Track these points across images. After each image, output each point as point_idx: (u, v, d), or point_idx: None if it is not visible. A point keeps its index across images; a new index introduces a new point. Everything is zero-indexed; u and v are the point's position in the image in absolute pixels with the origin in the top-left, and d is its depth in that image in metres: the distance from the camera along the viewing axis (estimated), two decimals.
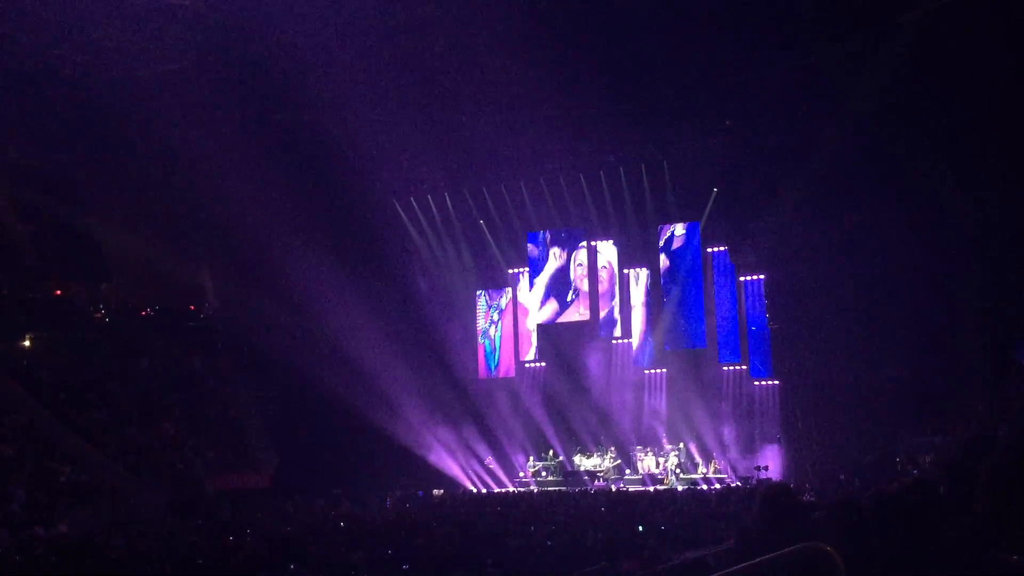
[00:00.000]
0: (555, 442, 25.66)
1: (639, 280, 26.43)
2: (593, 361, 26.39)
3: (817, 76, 20.00)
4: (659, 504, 16.32)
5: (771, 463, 22.04)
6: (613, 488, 22.71)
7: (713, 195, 24.80)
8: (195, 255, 28.54)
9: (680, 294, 25.49)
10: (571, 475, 24.46)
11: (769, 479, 20.28)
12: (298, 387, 25.36)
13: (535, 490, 23.12)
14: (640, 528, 11.54)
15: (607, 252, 26.77)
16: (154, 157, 24.72)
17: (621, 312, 26.49)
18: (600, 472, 24.33)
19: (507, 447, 26.34)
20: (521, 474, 25.90)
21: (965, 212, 20.39)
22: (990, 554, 2.35)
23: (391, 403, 25.07)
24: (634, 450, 24.91)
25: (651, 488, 22.00)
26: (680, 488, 21.58)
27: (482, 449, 26.01)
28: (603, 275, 26.76)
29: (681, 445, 24.30)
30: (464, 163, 25.50)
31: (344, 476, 23.62)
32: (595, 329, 26.73)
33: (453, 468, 25.51)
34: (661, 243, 25.89)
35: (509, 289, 28.21)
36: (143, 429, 23.45)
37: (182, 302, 29.17)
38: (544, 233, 27.49)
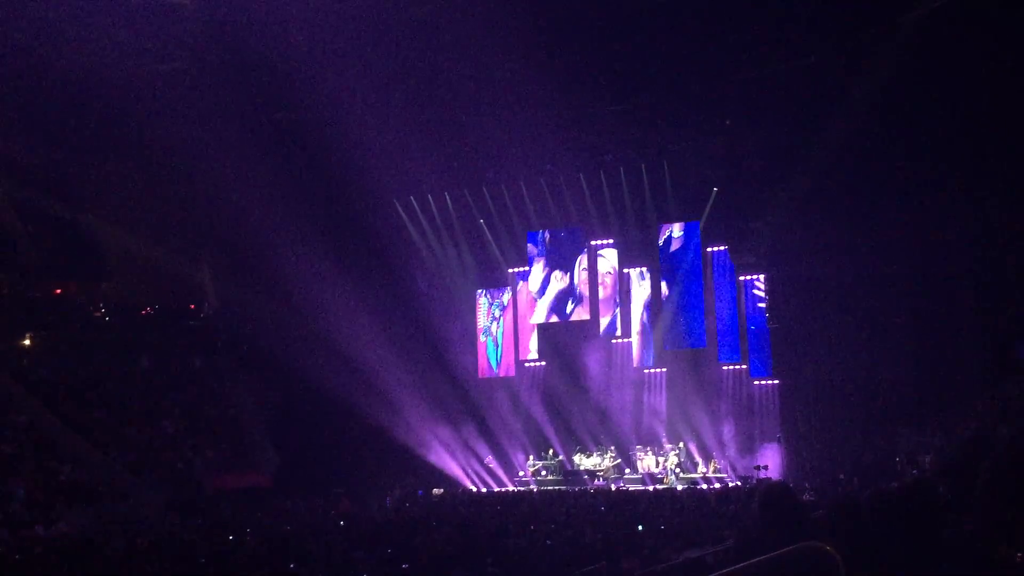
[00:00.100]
0: (555, 441, 25.66)
1: (639, 280, 26.43)
2: (593, 360, 26.38)
3: (817, 76, 20.00)
4: (659, 504, 16.33)
5: (770, 462, 22.04)
6: (613, 487, 22.73)
7: (713, 195, 24.79)
8: (195, 254, 28.56)
9: (680, 294, 25.48)
10: (571, 474, 24.46)
11: (768, 478, 20.27)
12: (298, 387, 25.37)
13: (535, 489, 23.12)
14: (640, 527, 11.54)
15: (611, 258, 26.75)
16: (154, 156, 24.71)
17: (621, 311, 26.49)
18: (600, 471, 24.34)
19: (507, 446, 26.34)
20: (521, 473, 25.91)
21: (965, 212, 20.40)
22: (990, 553, 2.36)
23: (391, 403, 25.07)
24: (634, 449, 24.92)
25: (651, 487, 22.00)
26: (680, 487, 21.58)
27: (482, 448, 26.01)
28: (607, 280, 26.72)
29: (681, 444, 24.30)
30: (464, 163, 25.49)
31: (344, 476, 23.63)
32: (595, 329, 26.72)
33: (453, 467, 25.51)
34: (661, 243, 25.89)
35: (510, 287, 28.20)
36: (143, 428, 23.46)
37: (182, 301, 29.17)
38: (544, 233, 27.48)
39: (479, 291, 28.36)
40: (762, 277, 24.46)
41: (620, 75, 21.58)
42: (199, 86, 20.54)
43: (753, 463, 22.30)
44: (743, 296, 24.82)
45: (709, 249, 25.34)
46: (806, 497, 16.11)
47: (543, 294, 27.45)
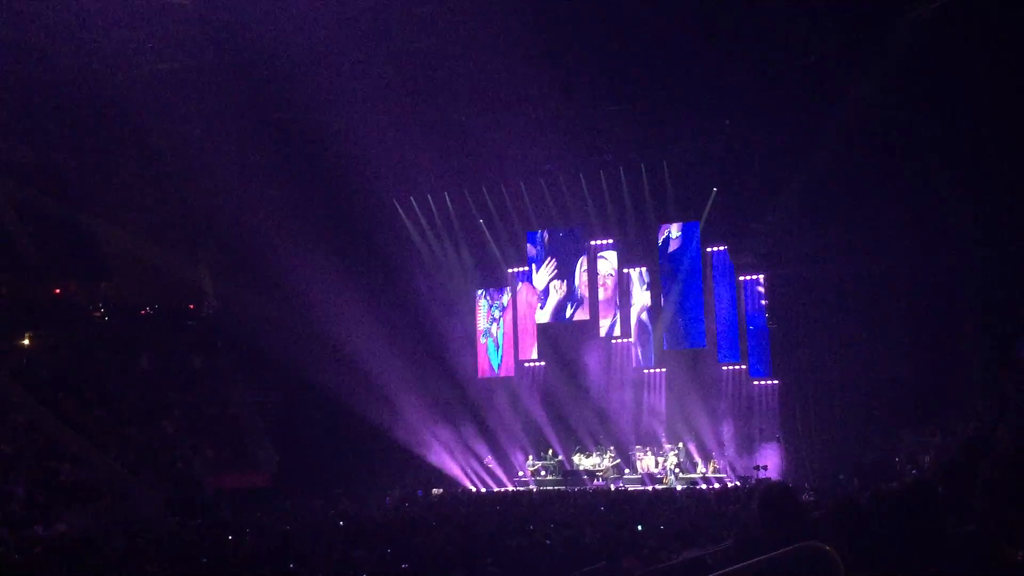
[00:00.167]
0: (554, 441, 25.65)
1: (639, 280, 26.42)
2: (592, 360, 26.38)
3: (817, 76, 20.00)
4: (658, 504, 16.32)
5: (770, 462, 22.04)
6: (612, 487, 22.72)
7: (713, 195, 24.80)
8: (194, 254, 28.58)
9: (679, 294, 25.48)
10: (570, 474, 24.46)
11: (768, 479, 20.28)
12: (298, 386, 25.38)
13: (534, 489, 23.11)
14: (639, 528, 11.53)
15: (611, 260, 26.74)
16: (154, 156, 24.73)
17: (621, 312, 26.48)
18: (599, 471, 24.34)
19: (506, 446, 26.34)
20: (520, 473, 25.90)
21: (965, 212, 20.39)
22: (990, 553, 2.36)
23: (391, 402, 25.08)
24: (633, 450, 24.92)
25: (650, 487, 21.99)
26: (679, 488, 21.57)
27: (481, 448, 26.01)
28: (608, 282, 26.71)
29: (680, 445, 24.29)
30: (464, 163, 25.49)
31: (344, 475, 23.64)
32: (595, 329, 26.72)
33: (452, 467, 25.52)
34: (660, 243, 25.89)
35: (510, 288, 28.21)
36: (142, 428, 23.47)
37: (181, 301, 29.19)
38: (543, 233, 27.49)
39: (479, 292, 28.36)
40: (762, 277, 24.46)
41: (620, 75, 21.58)
42: (199, 86, 20.55)
43: (752, 463, 22.29)
44: (743, 296, 24.81)
45: (709, 249, 25.34)
46: (806, 497, 16.10)
47: (545, 298, 27.44)
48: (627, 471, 24.58)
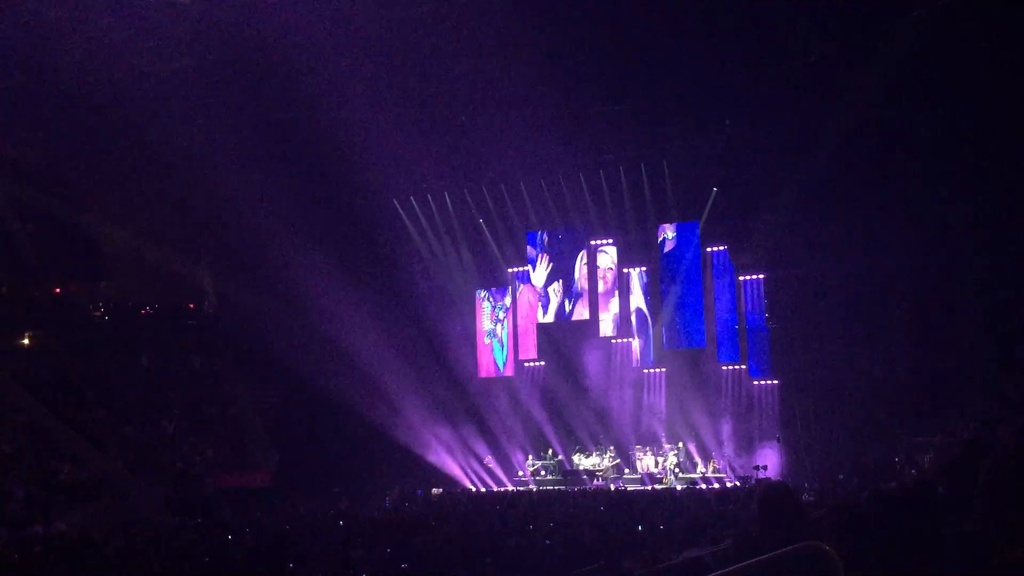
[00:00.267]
0: (554, 441, 25.65)
1: (639, 280, 26.42)
2: (592, 360, 26.38)
3: (817, 76, 20.00)
4: (658, 504, 16.31)
5: (770, 462, 22.03)
6: (612, 487, 22.72)
7: (713, 195, 24.79)
8: (194, 254, 28.57)
9: (679, 294, 25.46)
10: (570, 474, 24.45)
11: (768, 479, 20.27)
12: (297, 386, 25.37)
13: (534, 489, 23.10)
14: (639, 528, 11.53)
15: (611, 254, 26.74)
16: (153, 156, 24.72)
17: (621, 311, 26.48)
18: (599, 471, 24.33)
19: (506, 446, 26.33)
20: (520, 473, 25.89)
21: (965, 211, 20.40)
22: (990, 553, 2.35)
23: (391, 402, 25.08)
24: (633, 449, 24.91)
25: (650, 487, 21.99)
26: (679, 487, 21.56)
27: (481, 448, 26.00)
28: (608, 276, 26.72)
29: (680, 444, 24.28)
30: (464, 163, 25.49)
31: (343, 475, 23.64)
32: (595, 328, 26.72)
33: (452, 467, 25.51)
34: (660, 243, 25.90)
35: (511, 288, 28.20)
36: (142, 427, 23.47)
37: (181, 301, 29.19)
38: (543, 233, 27.49)
39: (482, 293, 28.35)
40: (762, 277, 24.45)
41: (620, 75, 21.58)
42: (199, 86, 20.53)
43: (751, 463, 22.30)
44: (743, 296, 24.81)
45: (708, 249, 25.33)
46: (805, 497, 16.08)
47: (546, 302, 27.44)
48: (627, 471, 24.57)
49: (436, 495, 22.96)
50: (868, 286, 22.02)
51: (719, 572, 2.88)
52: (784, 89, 20.70)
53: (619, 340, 26.49)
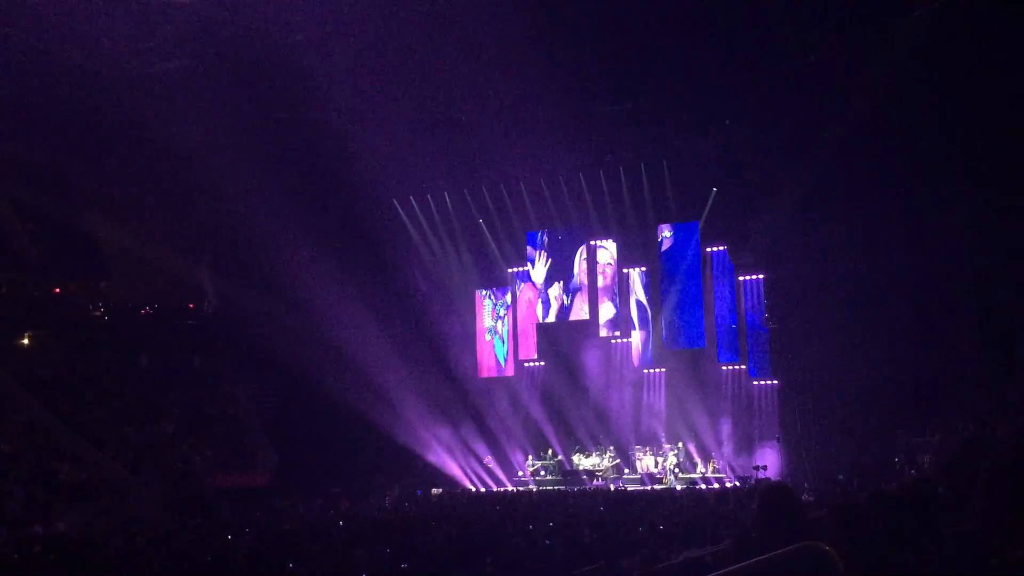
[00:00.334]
0: (554, 441, 25.65)
1: (638, 280, 26.42)
2: (592, 360, 26.37)
3: (817, 76, 20.00)
4: (657, 504, 16.32)
5: (770, 463, 22.04)
6: (612, 487, 22.72)
7: (713, 195, 24.80)
8: (194, 254, 28.57)
9: (679, 294, 25.46)
10: (570, 474, 24.45)
11: (768, 479, 20.28)
12: (297, 386, 25.37)
13: (534, 489, 23.11)
14: (639, 528, 11.54)
15: (611, 249, 26.75)
16: (154, 156, 24.73)
17: (620, 310, 26.49)
18: (599, 471, 24.33)
19: (506, 446, 26.34)
20: (520, 473, 25.89)
21: (965, 212, 20.40)
22: (990, 553, 2.35)
23: (390, 402, 25.08)
24: (633, 450, 24.91)
25: (650, 488, 21.99)
26: (679, 488, 21.56)
27: (481, 448, 26.01)
28: (607, 271, 26.73)
29: (680, 445, 24.28)
30: (464, 163, 25.49)
31: (343, 475, 23.63)
32: (595, 328, 26.72)
33: (452, 467, 25.51)
34: (660, 243, 25.90)
35: (511, 287, 28.22)
36: (142, 427, 23.47)
37: (181, 300, 29.20)
38: (542, 233, 27.49)
39: (482, 291, 28.37)
40: (761, 277, 24.45)
41: (620, 75, 21.58)
42: (199, 86, 20.53)
43: (750, 463, 22.30)
44: (742, 296, 24.81)
45: (708, 249, 25.33)
46: (805, 497, 16.11)
47: (547, 306, 27.45)
48: (626, 471, 24.57)
49: (436, 495, 22.98)
50: (868, 286, 22.00)
51: (719, 572, 2.88)
52: (784, 89, 20.71)
53: (619, 340, 26.50)
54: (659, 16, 18.86)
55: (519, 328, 27.86)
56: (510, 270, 28.11)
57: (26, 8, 17.92)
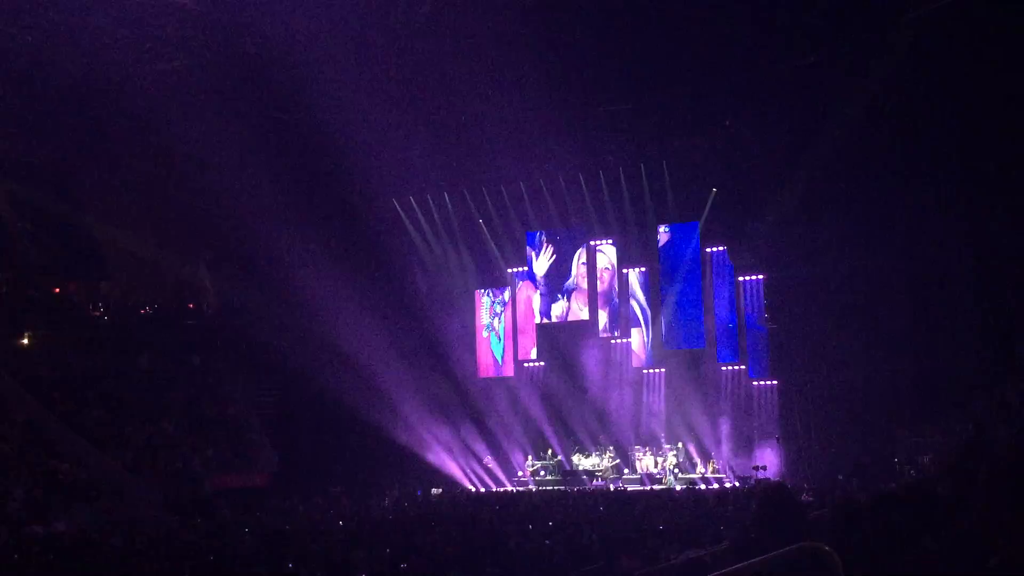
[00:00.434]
0: (554, 441, 25.65)
1: (638, 280, 26.42)
2: (592, 360, 26.38)
3: (817, 76, 20.00)
4: (657, 504, 16.33)
5: (769, 463, 22.05)
6: (611, 488, 22.72)
7: (712, 195, 24.79)
8: (194, 253, 28.56)
9: (678, 294, 25.47)
10: (570, 475, 24.46)
11: (767, 479, 20.29)
12: (297, 386, 25.36)
13: (534, 489, 23.12)
14: (639, 528, 11.54)
15: (609, 254, 26.76)
16: (153, 155, 24.72)
17: (620, 311, 26.50)
18: (598, 472, 24.33)
19: (506, 446, 26.34)
20: (520, 473, 25.90)
21: (964, 211, 20.40)
22: (990, 553, 2.36)
23: (390, 402, 25.07)
24: (632, 450, 24.91)
25: (649, 488, 22.00)
26: (678, 488, 21.58)
27: (481, 448, 26.01)
28: (604, 276, 26.76)
29: (679, 445, 24.29)
30: (464, 163, 25.49)
31: (343, 475, 23.62)
32: (594, 329, 26.72)
33: (452, 467, 25.51)
34: (659, 243, 25.91)
35: (510, 287, 28.22)
36: (142, 427, 23.45)
37: (181, 300, 29.16)
38: (542, 233, 27.50)
39: (482, 291, 28.38)
40: (761, 277, 24.45)
41: (620, 75, 21.58)
42: (199, 86, 20.54)
43: (752, 464, 22.30)
44: (742, 296, 24.81)
45: (708, 249, 25.33)
46: (805, 498, 16.10)
47: (544, 301, 27.46)
48: (626, 471, 24.57)
49: (436, 495, 22.98)
50: (868, 286, 21.99)
51: (719, 572, 2.88)
52: (784, 89, 20.70)
53: (618, 340, 26.50)
54: (659, 16, 18.85)
55: (518, 328, 27.87)
56: (510, 270, 28.12)
57: (26, 8, 17.92)
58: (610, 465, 24.59)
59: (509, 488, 24.75)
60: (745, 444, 23.67)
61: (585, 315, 26.92)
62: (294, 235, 24.24)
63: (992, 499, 2.42)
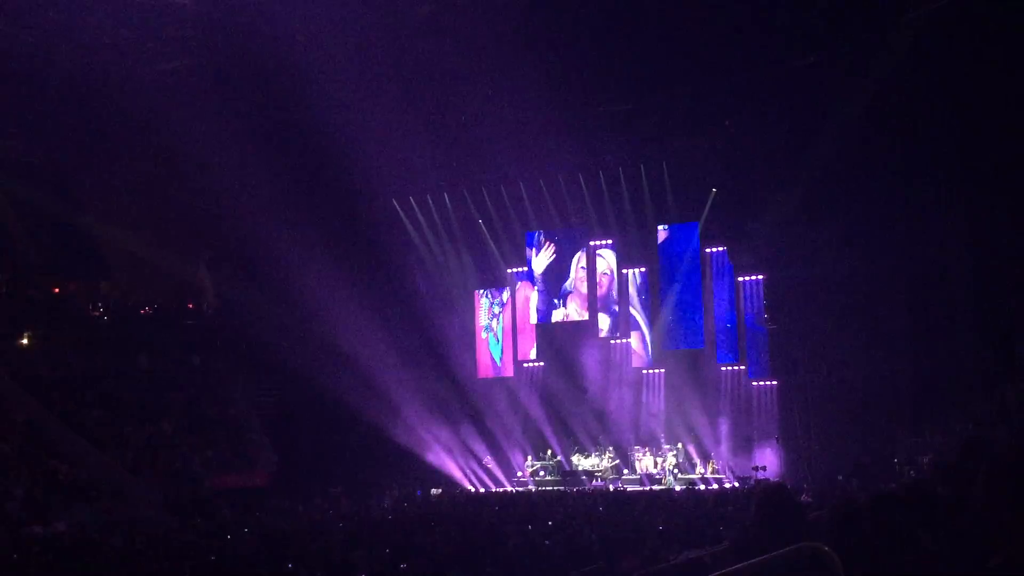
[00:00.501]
0: (553, 442, 25.66)
1: (637, 280, 26.42)
2: (591, 361, 26.38)
3: (816, 76, 20.00)
4: (657, 504, 16.32)
5: (769, 463, 22.05)
6: (611, 488, 22.72)
7: (712, 195, 24.79)
8: (194, 253, 28.55)
9: (678, 294, 25.47)
10: (569, 475, 24.46)
11: (767, 479, 20.28)
12: (297, 386, 25.36)
13: (533, 490, 23.12)
14: (639, 528, 11.53)
15: (608, 259, 26.77)
16: (153, 155, 24.72)
17: (619, 312, 26.50)
18: (598, 472, 24.33)
19: (505, 447, 26.34)
20: (519, 474, 25.90)
21: (964, 211, 20.40)
22: (990, 553, 2.36)
23: (390, 402, 25.07)
24: (632, 450, 24.91)
25: (649, 488, 22.00)
26: (678, 488, 21.58)
27: (480, 449, 26.01)
28: (603, 280, 26.76)
29: (679, 445, 24.29)
30: (464, 163, 25.50)
31: (343, 475, 23.62)
32: (594, 329, 26.73)
33: (451, 468, 25.51)
34: (659, 243, 25.91)
35: (509, 287, 28.23)
36: (141, 427, 23.43)
37: (181, 300, 29.16)
38: (541, 233, 27.50)
39: (481, 291, 28.39)
40: (761, 278, 24.46)
41: (620, 75, 21.59)
42: (199, 86, 20.54)
43: (751, 464, 22.30)
44: (741, 297, 24.81)
45: (708, 250, 25.33)
46: (804, 498, 16.10)
47: (542, 302, 27.46)
48: (626, 472, 24.57)
49: (435, 495, 22.98)
50: (867, 286, 22.00)
51: (719, 572, 2.88)
52: (784, 89, 20.71)
53: (618, 340, 26.50)
54: (659, 16, 18.87)
55: (518, 328, 27.88)
56: (509, 270, 28.12)
57: (26, 8, 17.92)
58: (610, 465, 24.60)
59: (509, 488, 24.75)
60: (744, 444, 23.67)
61: (585, 316, 26.92)
62: (294, 235, 24.22)
63: (992, 499, 2.42)
